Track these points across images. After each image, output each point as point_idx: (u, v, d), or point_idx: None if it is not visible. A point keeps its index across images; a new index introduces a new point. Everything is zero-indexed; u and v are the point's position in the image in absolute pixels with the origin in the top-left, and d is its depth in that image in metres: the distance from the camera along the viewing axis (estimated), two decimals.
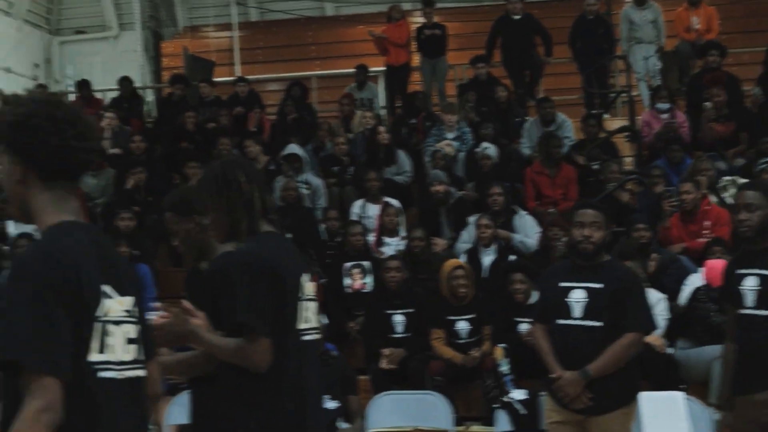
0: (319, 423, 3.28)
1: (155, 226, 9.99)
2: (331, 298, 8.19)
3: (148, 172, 10.36)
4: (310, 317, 3.26)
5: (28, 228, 9.78)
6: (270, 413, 3.06)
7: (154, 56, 17.37)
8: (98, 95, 13.90)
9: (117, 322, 2.33)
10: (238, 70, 16.34)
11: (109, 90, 14.05)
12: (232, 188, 3.22)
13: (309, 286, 3.30)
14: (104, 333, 2.28)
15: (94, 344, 2.25)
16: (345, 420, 6.84)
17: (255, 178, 3.28)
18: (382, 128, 10.91)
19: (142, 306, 2.45)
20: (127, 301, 2.38)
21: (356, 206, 9.73)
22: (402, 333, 7.58)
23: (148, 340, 2.48)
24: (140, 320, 2.43)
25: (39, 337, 2.13)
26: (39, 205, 2.36)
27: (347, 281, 8.45)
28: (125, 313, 2.36)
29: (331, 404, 6.60)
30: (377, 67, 13.58)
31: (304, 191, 10.07)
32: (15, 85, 15.11)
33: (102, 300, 2.28)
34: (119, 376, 2.32)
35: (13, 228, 10.01)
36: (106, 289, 2.31)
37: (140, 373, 2.40)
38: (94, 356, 2.25)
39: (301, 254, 3.48)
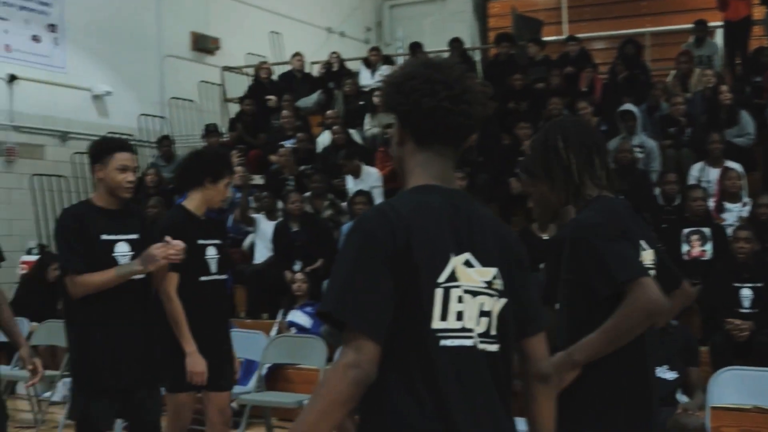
0: (656, 393, 3.12)
1: (485, 186, 10.13)
2: None
3: (479, 132, 10.38)
4: None
5: (365, 185, 10.24)
6: (619, 380, 2.96)
7: (482, 17, 17.47)
8: (430, 56, 14.11)
9: (473, 293, 2.23)
10: (566, 29, 16.10)
11: (439, 51, 14.29)
12: (550, 153, 3.11)
13: (647, 254, 3.13)
14: (449, 300, 2.19)
15: (436, 311, 2.17)
16: (684, 392, 6.55)
17: (576, 141, 3.11)
18: (724, 87, 10.28)
19: (513, 279, 2.32)
20: (489, 272, 2.27)
21: (695, 169, 9.29)
22: (749, 308, 7.12)
23: (528, 314, 2.35)
24: (505, 293, 2.29)
25: (357, 296, 2.10)
26: (409, 167, 2.35)
27: (685, 248, 8.09)
28: (484, 285, 2.25)
29: (669, 375, 6.34)
30: (714, 22, 12.85)
31: (638, 154, 9.74)
32: (349, 48, 15.79)
33: (446, 265, 2.20)
34: (465, 345, 2.20)
35: (351, 184, 10.48)
36: (460, 257, 2.23)
37: (492, 348, 2.25)
38: (436, 323, 2.17)
39: (640, 219, 3.31)
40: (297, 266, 9.26)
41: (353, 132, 11.82)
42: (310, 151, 11.71)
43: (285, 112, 12.36)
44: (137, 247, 4.59)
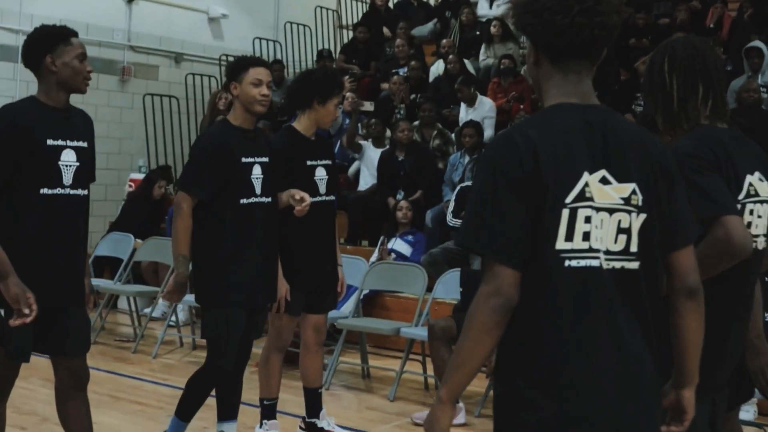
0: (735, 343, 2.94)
1: None
2: None
3: (599, 65, 10.03)
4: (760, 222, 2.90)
5: (477, 115, 10.03)
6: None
7: None
8: None
9: (609, 210, 2.18)
10: None
11: None
12: (654, 75, 2.93)
13: (764, 187, 2.90)
14: (575, 220, 2.14)
15: (561, 232, 2.14)
16: None
17: (683, 64, 2.88)
18: None
19: (657, 192, 2.24)
20: (627, 188, 2.20)
21: None
22: None
23: (674, 227, 2.27)
24: (645, 208, 2.22)
25: (488, 226, 2.13)
26: (545, 87, 2.30)
27: None
28: (621, 201, 2.19)
29: None
30: None
31: (764, 94, 9.26)
32: None
33: (576, 184, 2.15)
34: (591, 266, 2.16)
35: (463, 113, 10.29)
36: (595, 175, 2.17)
37: (630, 265, 2.20)
38: (560, 244, 2.14)
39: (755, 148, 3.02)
40: (400, 195, 9.16)
41: (467, 62, 11.56)
42: (422, 79, 11.52)
43: (399, 41, 12.16)
44: (266, 172, 4.57)
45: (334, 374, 6.90)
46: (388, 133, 10.09)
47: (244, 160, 4.50)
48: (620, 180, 2.20)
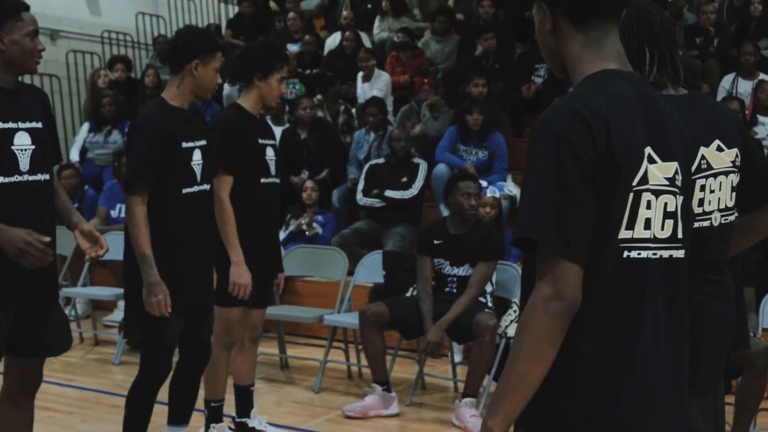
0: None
1: (503, 93, 9.71)
2: None
3: (497, 38, 9.94)
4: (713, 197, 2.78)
5: (375, 89, 9.79)
6: None
7: None
8: None
9: (656, 192, 1.94)
10: None
11: None
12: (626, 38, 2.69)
13: (721, 158, 2.77)
14: (638, 204, 1.90)
15: (624, 219, 1.89)
16: None
17: (627, 30, 2.71)
18: None
19: (686, 173, 2.03)
20: (671, 168, 1.97)
21: (726, 81, 8.95)
22: None
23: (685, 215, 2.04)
24: (682, 190, 2.00)
25: (555, 213, 1.83)
26: (573, 54, 2.02)
27: None
28: (666, 182, 1.96)
29: None
30: None
31: None
32: None
33: (641, 165, 1.91)
34: (652, 256, 1.93)
35: (360, 89, 10.03)
36: (648, 151, 1.93)
37: (677, 253, 1.98)
38: (621, 233, 1.89)
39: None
40: (305, 174, 8.82)
41: (363, 35, 11.29)
42: (316, 54, 11.19)
43: (291, 14, 11.76)
44: (206, 156, 4.19)
45: None
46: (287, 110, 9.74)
47: (184, 145, 4.10)
48: (664, 159, 1.97)
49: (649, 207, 1.92)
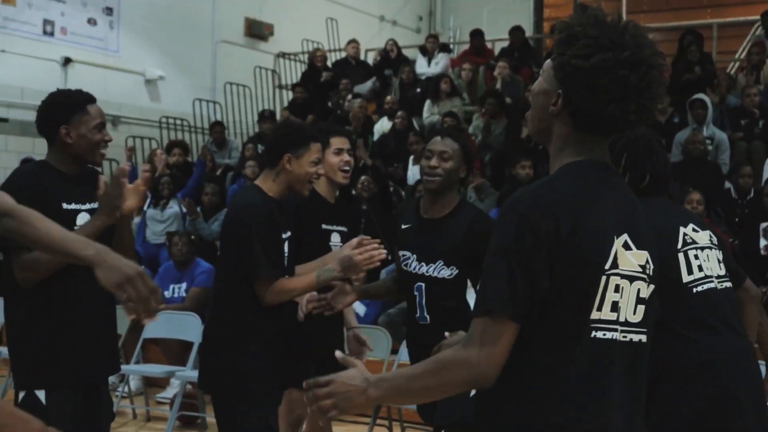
0: None
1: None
2: (744, 260, 7.56)
3: None
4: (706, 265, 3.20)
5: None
6: None
7: (538, 6, 17.15)
8: (488, 45, 13.87)
9: (629, 278, 2.04)
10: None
11: (498, 40, 14.01)
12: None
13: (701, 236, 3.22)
14: (607, 289, 2.00)
15: (596, 301, 1.99)
16: None
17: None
18: None
19: (654, 261, 2.12)
20: (643, 256, 2.08)
21: None
22: None
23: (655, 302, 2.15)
24: (652, 278, 2.11)
25: (506, 285, 1.95)
26: (561, 144, 2.11)
27: (763, 242, 7.78)
28: (639, 269, 2.06)
29: None
30: None
31: (709, 146, 9.40)
32: (400, 37, 15.54)
33: (610, 251, 2.01)
34: (622, 338, 2.04)
35: (410, 171, 10.24)
36: (625, 238, 2.04)
37: (643, 338, 2.09)
38: (594, 314, 1.99)
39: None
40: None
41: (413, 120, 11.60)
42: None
43: (342, 100, 12.11)
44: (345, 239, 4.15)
45: None
46: None
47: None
48: (638, 246, 2.07)
49: (617, 290, 2.01)
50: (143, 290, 2.25)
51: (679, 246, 3.09)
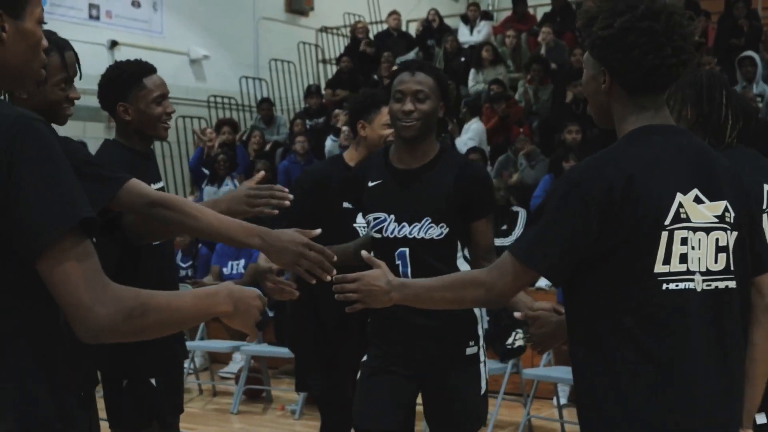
0: None
1: (597, 139, 9.85)
2: None
3: None
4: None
5: (468, 139, 10.04)
6: None
7: None
8: (530, 11, 13.81)
9: (706, 229, 2.17)
10: None
11: (540, 5, 13.95)
12: (714, 104, 2.88)
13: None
14: (672, 242, 2.13)
15: (660, 255, 2.12)
16: None
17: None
18: None
19: (739, 210, 2.23)
20: (718, 206, 2.19)
21: None
22: None
23: (763, 247, 2.29)
24: (737, 226, 2.22)
25: (547, 247, 2.17)
26: (621, 115, 2.26)
27: None
28: (715, 220, 2.18)
29: None
30: None
31: (759, 104, 9.34)
32: (440, 6, 15.47)
33: (671, 208, 2.14)
34: (689, 288, 2.14)
35: (458, 138, 10.29)
36: (689, 195, 2.16)
37: (731, 284, 2.20)
38: (658, 267, 2.12)
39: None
40: None
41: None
42: None
43: (385, 71, 12.15)
44: None
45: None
46: None
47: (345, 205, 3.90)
48: (712, 198, 2.19)
49: (683, 243, 2.13)
50: (315, 257, 2.56)
51: (765, 206, 2.92)
